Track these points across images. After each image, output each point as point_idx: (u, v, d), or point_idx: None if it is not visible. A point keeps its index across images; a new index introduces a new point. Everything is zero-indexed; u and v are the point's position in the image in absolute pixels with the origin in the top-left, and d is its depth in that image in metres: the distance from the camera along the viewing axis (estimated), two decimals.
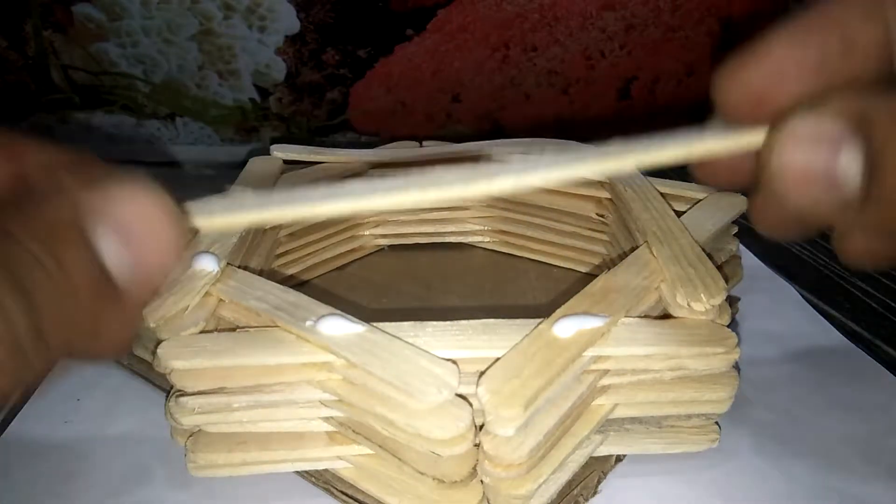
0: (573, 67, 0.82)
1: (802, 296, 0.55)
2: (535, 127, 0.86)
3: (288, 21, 0.80)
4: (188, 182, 0.87)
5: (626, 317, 0.35)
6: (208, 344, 0.34)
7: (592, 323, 0.34)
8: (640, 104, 0.84)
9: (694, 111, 0.83)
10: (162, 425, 0.40)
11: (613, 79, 0.83)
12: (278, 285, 0.39)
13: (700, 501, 0.37)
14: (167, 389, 0.44)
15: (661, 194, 0.49)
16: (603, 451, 0.38)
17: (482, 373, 0.32)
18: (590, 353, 0.34)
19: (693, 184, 0.51)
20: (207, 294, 0.38)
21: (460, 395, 0.32)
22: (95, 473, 0.39)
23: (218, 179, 0.87)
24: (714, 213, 0.47)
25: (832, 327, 0.51)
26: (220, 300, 0.38)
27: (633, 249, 0.44)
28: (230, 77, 0.83)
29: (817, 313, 0.53)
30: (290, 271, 0.55)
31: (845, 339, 0.50)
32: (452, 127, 0.87)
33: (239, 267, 0.42)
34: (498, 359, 0.33)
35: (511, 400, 0.30)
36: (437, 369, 0.32)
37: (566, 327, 0.33)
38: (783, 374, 0.46)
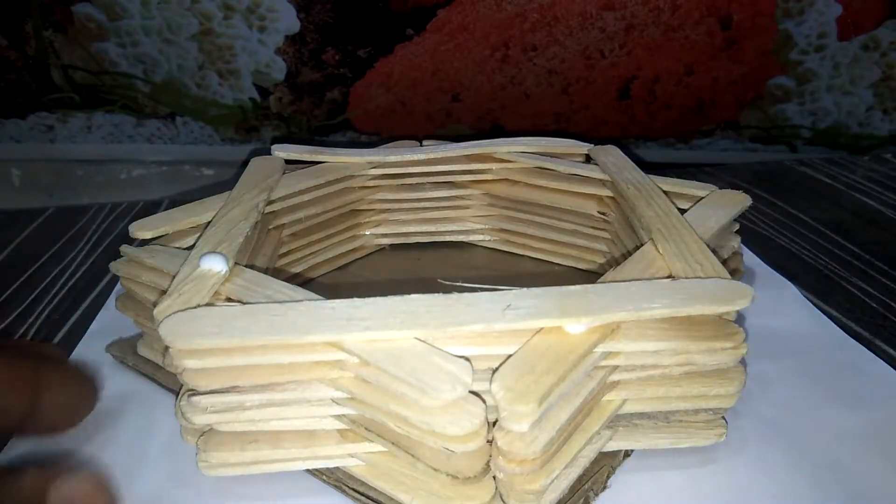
0: (573, 67, 0.82)
1: (802, 293, 0.55)
2: (534, 126, 0.87)
3: (288, 21, 0.81)
4: (188, 181, 0.87)
5: (633, 312, 0.35)
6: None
7: (602, 319, 0.34)
8: (640, 104, 0.84)
9: (694, 111, 0.84)
10: (170, 425, 0.41)
11: (613, 79, 0.83)
12: (287, 284, 0.39)
13: (707, 495, 0.37)
14: (172, 389, 0.44)
15: (664, 192, 0.50)
16: (612, 446, 0.38)
17: (495, 369, 0.32)
18: (600, 349, 0.34)
19: (694, 181, 0.51)
20: (217, 293, 0.38)
21: (473, 392, 0.32)
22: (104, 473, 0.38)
23: (218, 179, 0.88)
24: (716, 210, 0.47)
25: (831, 323, 0.52)
26: (229, 299, 0.38)
27: (637, 247, 0.45)
28: (230, 77, 0.83)
29: (816, 309, 0.54)
30: (293, 271, 0.55)
31: (845, 334, 0.50)
32: (452, 126, 0.87)
33: (245, 266, 0.42)
34: (510, 355, 0.33)
35: (525, 396, 0.30)
36: (450, 366, 0.32)
37: (577, 324, 0.34)
38: (785, 369, 0.46)
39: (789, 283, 0.56)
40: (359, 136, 0.88)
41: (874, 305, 0.55)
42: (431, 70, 0.82)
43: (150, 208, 0.71)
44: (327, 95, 0.84)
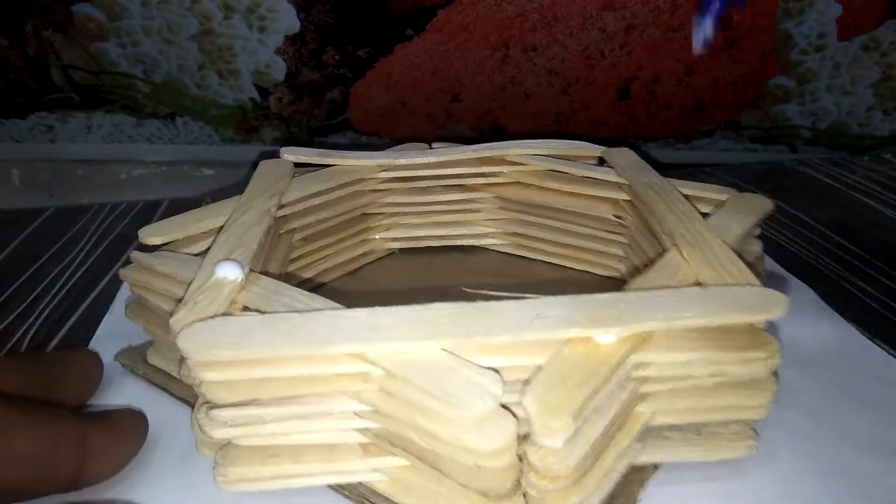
0: (573, 67, 0.81)
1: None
2: (535, 126, 0.86)
3: (288, 21, 0.80)
4: (188, 181, 0.86)
5: (665, 322, 0.34)
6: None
7: (633, 329, 0.33)
8: (640, 104, 0.83)
9: (694, 111, 0.83)
10: (184, 436, 0.39)
11: (613, 79, 0.82)
12: (304, 291, 0.37)
13: None
14: (185, 399, 0.42)
15: (684, 196, 0.48)
16: (642, 459, 0.37)
17: (525, 382, 0.31)
18: (632, 360, 0.33)
19: (713, 185, 0.50)
20: (233, 302, 0.37)
21: (502, 405, 0.31)
22: (113, 487, 0.37)
23: (218, 179, 0.87)
24: (739, 214, 0.46)
25: (852, 328, 0.50)
26: (246, 308, 0.37)
27: (659, 253, 0.43)
28: (230, 77, 0.82)
29: (836, 314, 0.52)
30: (304, 276, 0.53)
31: (867, 340, 0.49)
32: (452, 126, 0.86)
33: (259, 273, 0.41)
34: (540, 366, 0.31)
35: (559, 410, 0.29)
36: (479, 378, 0.30)
37: (607, 334, 0.32)
38: (810, 376, 0.45)
39: (806, 287, 0.55)
40: (359, 136, 0.87)
41: (874, 305, 0.54)
42: (431, 70, 0.81)
43: (150, 208, 0.70)
44: (327, 95, 0.83)
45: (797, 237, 0.65)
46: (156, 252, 0.42)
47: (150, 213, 0.69)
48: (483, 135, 0.86)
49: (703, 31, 0.37)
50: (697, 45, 0.39)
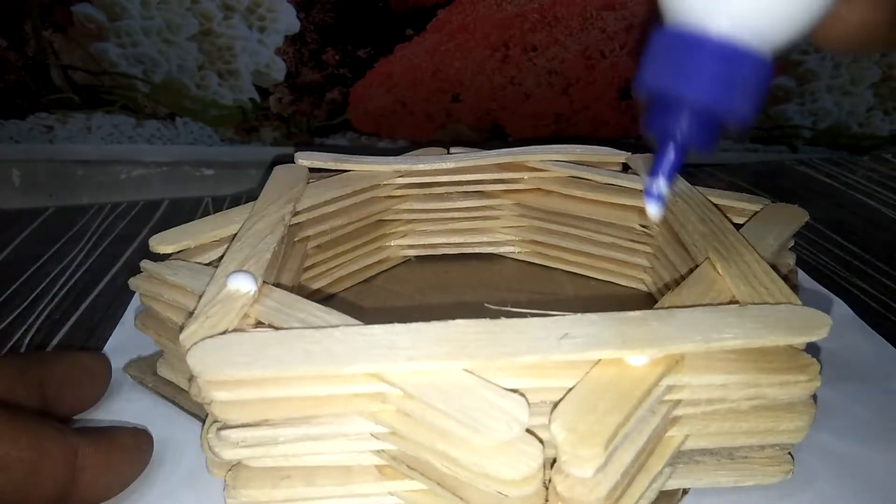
0: (573, 67, 0.79)
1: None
2: (535, 127, 0.84)
3: (288, 21, 0.78)
4: (188, 182, 0.84)
5: (703, 343, 0.31)
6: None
7: (667, 350, 0.30)
8: (640, 104, 0.82)
9: None
10: (193, 452, 0.37)
11: (613, 79, 0.80)
12: (319, 305, 0.35)
13: None
14: (195, 413, 0.40)
15: (715, 205, 0.46)
16: (672, 484, 0.34)
17: (554, 406, 0.28)
18: (664, 382, 0.30)
19: (745, 194, 0.47)
20: (246, 316, 0.34)
21: (527, 430, 0.28)
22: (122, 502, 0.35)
23: (218, 179, 0.85)
24: (773, 226, 0.43)
25: (886, 343, 0.47)
26: (259, 322, 0.34)
27: (691, 269, 0.40)
28: (230, 77, 0.80)
29: (868, 328, 0.49)
30: (318, 284, 0.51)
31: None
32: (452, 126, 0.84)
33: (273, 284, 0.38)
34: (569, 389, 0.29)
35: (590, 438, 0.26)
36: (504, 402, 0.28)
37: (639, 356, 0.30)
38: (846, 395, 0.42)
39: (839, 300, 0.52)
40: (359, 136, 0.85)
41: (874, 305, 0.53)
42: (431, 70, 0.79)
43: (150, 208, 0.69)
44: (327, 96, 0.81)
45: (797, 237, 0.63)
46: (167, 261, 0.40)
47: (150, 213, 0.68)
48: (483, 135, 0.84)
49: (657, 191, 0.30)
50: (654, 209, 0.31)
